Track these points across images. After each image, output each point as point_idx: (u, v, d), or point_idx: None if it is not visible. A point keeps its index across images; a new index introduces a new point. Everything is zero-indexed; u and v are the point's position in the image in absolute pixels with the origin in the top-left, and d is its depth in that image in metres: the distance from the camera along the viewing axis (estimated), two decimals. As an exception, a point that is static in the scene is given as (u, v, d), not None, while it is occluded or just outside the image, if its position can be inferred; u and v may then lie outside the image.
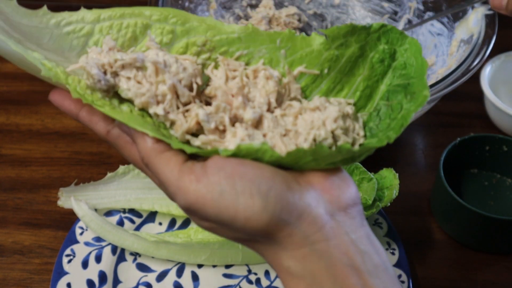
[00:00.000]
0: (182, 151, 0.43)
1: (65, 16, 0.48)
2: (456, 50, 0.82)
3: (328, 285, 0.41)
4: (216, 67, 0.49)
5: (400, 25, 0.94)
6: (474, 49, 0.76)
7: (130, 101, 0.46)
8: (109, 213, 0.75)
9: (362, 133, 0.46)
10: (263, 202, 0.40)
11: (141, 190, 0.74)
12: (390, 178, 0.71)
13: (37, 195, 0.80)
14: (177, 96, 0.46)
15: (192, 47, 0.49)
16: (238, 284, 0.70)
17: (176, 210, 0.73)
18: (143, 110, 0.46)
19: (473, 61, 0.75)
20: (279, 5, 0.98)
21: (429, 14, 0.91)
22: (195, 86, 0.46)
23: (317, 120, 0.45)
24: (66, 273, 0.69)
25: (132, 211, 0.75)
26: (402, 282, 0.68)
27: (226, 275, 0.71)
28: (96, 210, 0.74)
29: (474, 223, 0.72)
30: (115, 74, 0.46)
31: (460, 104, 0.92)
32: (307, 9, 0.99)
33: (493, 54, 0.84)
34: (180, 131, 0.44)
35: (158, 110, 0.45)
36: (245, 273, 0.71)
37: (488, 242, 0.74)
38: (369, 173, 0.69)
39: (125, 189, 0.74)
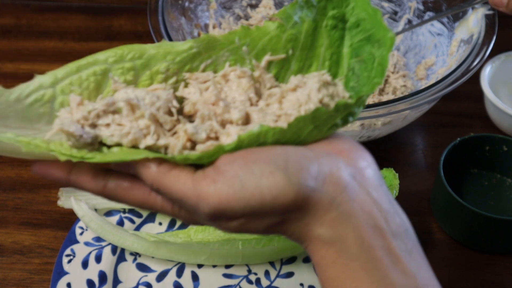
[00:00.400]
0: (187, 166, 0.43)
1: (23, 88, 0.46)
2: (456, 50, 0.82)
3: (356, 249, 0.41)
4: (186, 85, 0.48)
5: (400, 25, 0.94)
6: (474, 49, 0.76)
7: (118, 144, 0.45)
8: (109, 213, 0.75)
9: (347, 94, 0.47)
10: (285, 176, 0.40)
11: (141, 190, 0.74)
12: (390, 178, 0.71)
13: (37, 195, 0.80)
14: (160, 125, 0.45)
15: (156, 75, 0.48)
16: (238, 284, 0.70)
17: (176, 210, 0.73)
18: (133, 148, 0.45)
19: (473, 61, 0.75)
20: (279, 5, 0.98)
21: (429, 14, 0.91)
22: (173, 110, 0.46)
23: (302, 96, 0.45)
24: (66, 273, 0.69)
25: (132, 211, 0.75)
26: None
27: (226, 275, 0.71)
28: (96, 210, 0.74)
29: (474, 223, 0.72)
30: (94, 125, 0.45)
31: (460, 104, 0.92)
32: (307, 9, 0.99)
33: (493, 54, 0.84)
34: (177, 149, 0.44)
35: (148, 141, 0.44)
36: (245, 273, 0.71)
37: (488, 242, 0.74)
38: (369, 173, 0.69)
39: (125, 189, 0.74)
